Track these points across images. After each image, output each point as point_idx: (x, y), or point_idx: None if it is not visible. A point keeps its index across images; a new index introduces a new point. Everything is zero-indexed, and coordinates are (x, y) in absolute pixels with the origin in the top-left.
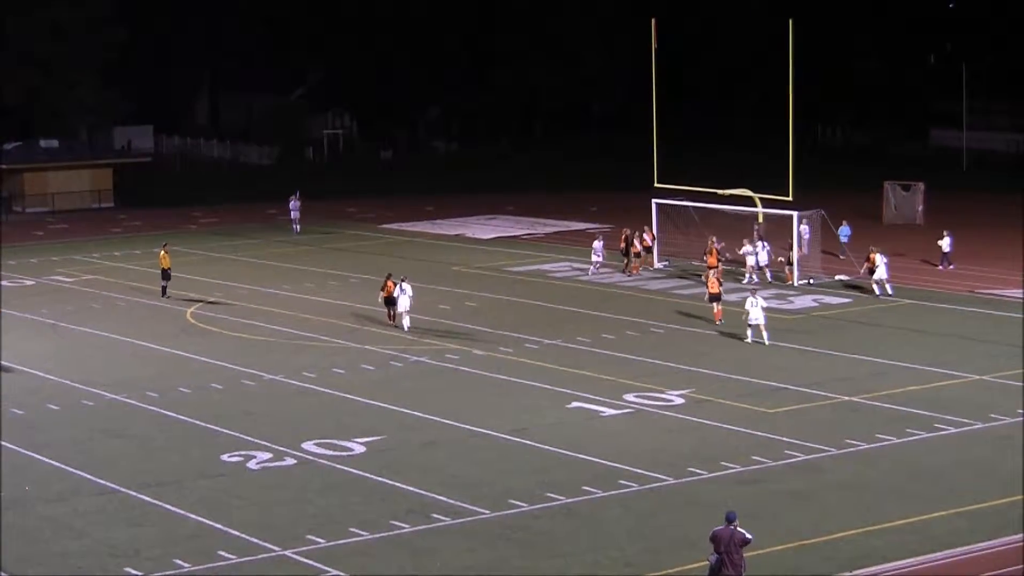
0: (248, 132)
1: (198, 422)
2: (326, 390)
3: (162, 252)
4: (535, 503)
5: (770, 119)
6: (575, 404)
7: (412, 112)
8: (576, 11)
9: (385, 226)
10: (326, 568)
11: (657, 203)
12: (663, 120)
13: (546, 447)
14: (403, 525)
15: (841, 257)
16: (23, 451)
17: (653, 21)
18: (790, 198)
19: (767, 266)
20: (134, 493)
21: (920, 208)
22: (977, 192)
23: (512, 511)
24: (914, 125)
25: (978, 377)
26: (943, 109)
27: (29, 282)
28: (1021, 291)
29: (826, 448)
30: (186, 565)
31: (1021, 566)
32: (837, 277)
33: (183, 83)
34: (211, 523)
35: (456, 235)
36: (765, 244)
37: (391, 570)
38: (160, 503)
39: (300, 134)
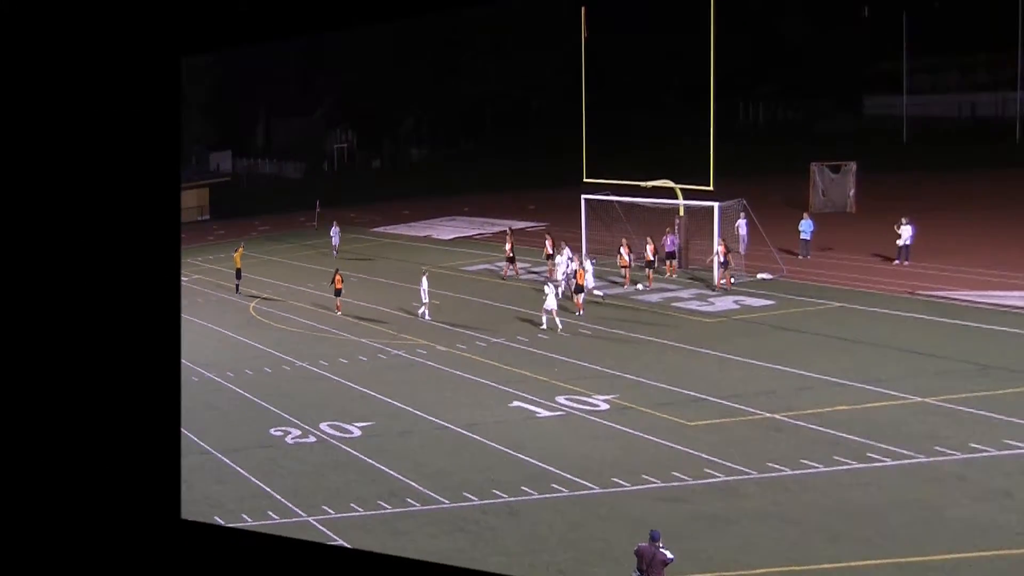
0: (288, 150)
1: (258, 400)
2: (335, 377)
3: (235, 254)
4: (483, 498)
5: (693, 101)
6: (515, 403)
7: (394, 123)
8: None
9: (375, 229)
10: (335, 537)
11: (586, 199)
12: (592, 112)
13: (492, 444)
14: (386, 506)
15: (801, 258)
16: None
17: (583, 9)
18: (711, 188)
19: (573, 277)
20: (219, 455)
21: (851, 193)
22: (919, 170)
23: (466, 504)
24: (845, 93)
25: (920, 399)
26: (879, 71)
27: None
28: (974, 293)
29: (747, 470)
30: (249, 520)
31: None
32: (760, 276)
33: (248, 112)
34: (264, 486)
35: (425, 236)
36: (570, 254)
37: (375, 547)
38: (235, 466)
39: (320, 149)
